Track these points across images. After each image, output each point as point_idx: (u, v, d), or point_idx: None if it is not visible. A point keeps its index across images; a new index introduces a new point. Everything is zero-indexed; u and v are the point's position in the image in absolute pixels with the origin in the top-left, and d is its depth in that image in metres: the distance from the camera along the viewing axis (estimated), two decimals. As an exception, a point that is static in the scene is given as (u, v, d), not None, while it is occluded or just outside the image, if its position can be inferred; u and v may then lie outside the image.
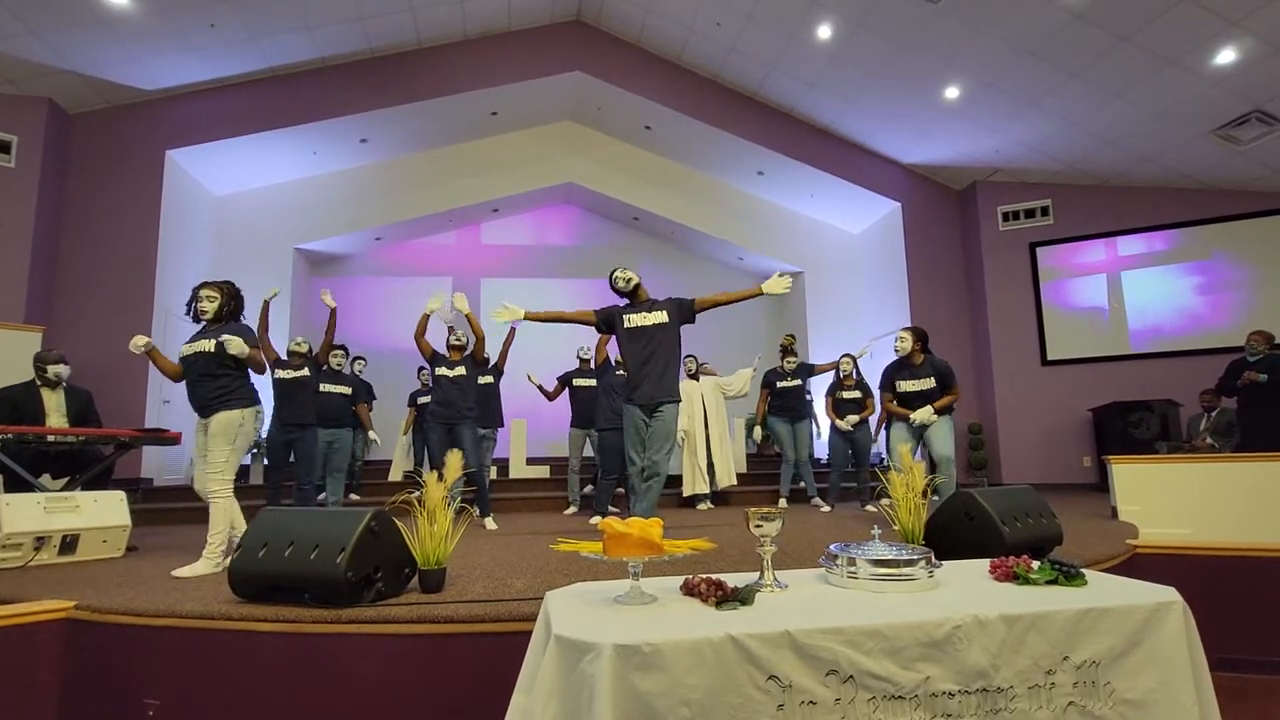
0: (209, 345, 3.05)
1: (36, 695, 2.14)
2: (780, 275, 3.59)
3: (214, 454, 3.03)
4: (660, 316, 3.71)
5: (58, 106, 6.73)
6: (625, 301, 3.89)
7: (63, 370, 4.32)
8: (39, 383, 4.28)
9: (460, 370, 4.74)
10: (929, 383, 4.34)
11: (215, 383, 3.07)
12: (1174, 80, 6.27)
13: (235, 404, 3.08)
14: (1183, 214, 7.79)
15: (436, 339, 4.95)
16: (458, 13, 7.35)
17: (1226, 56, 5.89)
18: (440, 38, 7.68)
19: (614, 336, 3.89)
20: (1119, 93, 6.62)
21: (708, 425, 5.96)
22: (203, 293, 3.18)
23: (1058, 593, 1.52)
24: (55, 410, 4.29)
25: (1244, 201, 7.53)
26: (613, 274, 3.87)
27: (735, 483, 6.12)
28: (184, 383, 3.16)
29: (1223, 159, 7.15)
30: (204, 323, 3.18)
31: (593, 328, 3.92)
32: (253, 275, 8.20)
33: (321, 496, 5.19)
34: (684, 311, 3.76)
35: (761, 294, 3.58)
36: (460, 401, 4.69)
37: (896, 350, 4.44)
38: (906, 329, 4.46)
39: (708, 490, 5.91)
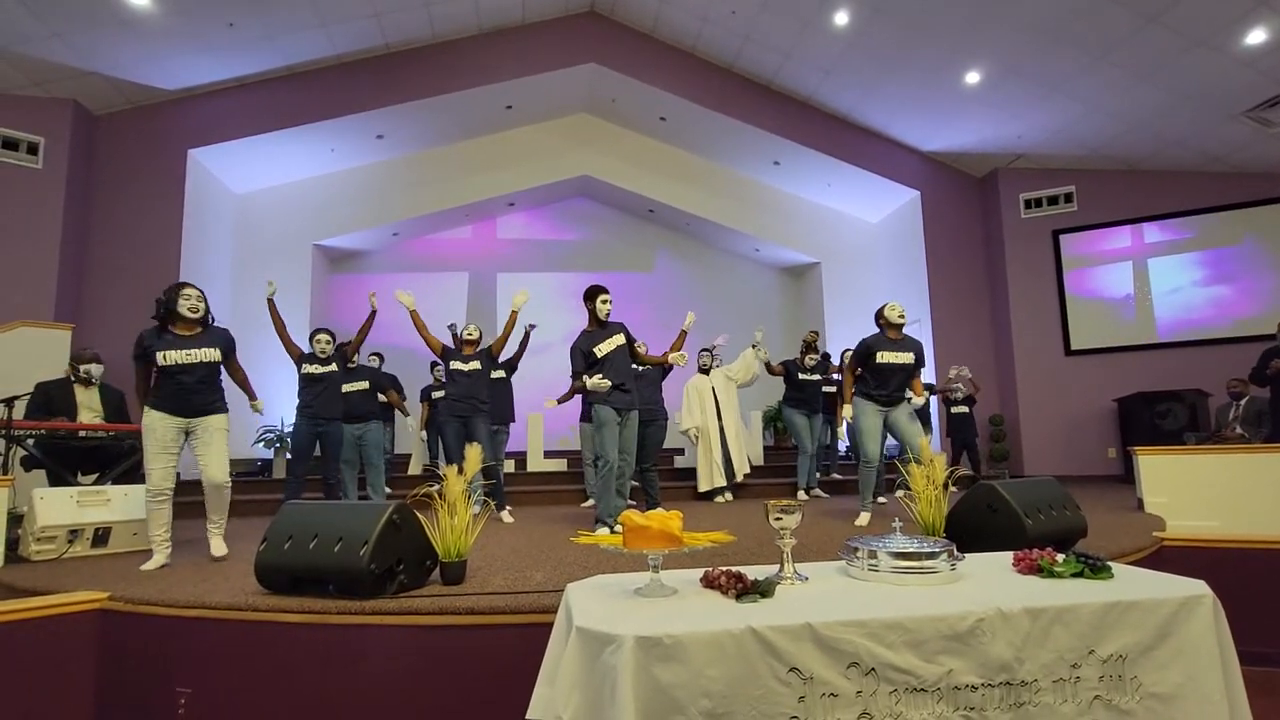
0: (214, 354, 3.19)
1: (73, 683, 2.21)
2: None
3: (224, 448, 3.21)
4: (618, 340, 4.11)
5: (82, 107, 6.86)
6: (588, 322, 4.20)
7: (96, 369, 4.44)
8: (73, 380, 4.40)
9: (475, 364, 4.78)
10: (909, 357, 4.11)
11: (214, 387, 3.25)
12: (1203, 62, 6.10)
13: (225, 407, 3.31)
14: (1212, 199, 7.60)
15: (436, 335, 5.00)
16: (471, 7, 7.35)
17: (1257, 37, 5.72)
18: (454, 32, 7.69)
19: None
20: (1146, 75, 6.46)
21: (721, 418, 5.94)
22: (193, 292, 3.20)
23: (1083, 586, 1.50)
24: (87, 407, 4.39)
25: (1275, 185, 7.33)
26: (599, 300, 4.14)
27: (749, 471, 6.07)
28: (174, 387, 3.10)
29: (1254, 141, 6.96)
30: (190, 323, 3.17)
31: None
32: (273, 272, 8.29)
33: (363, 492, 5.29)
34: (629, 337, 4.20)
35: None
36: (476, 395, 4.73)
37: (895, 320, 4.17)
38: (896, 302, 4.33)
39: (724, 484, 5.90)
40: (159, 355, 3.07)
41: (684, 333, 4.84)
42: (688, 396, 6.01)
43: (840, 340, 9.32)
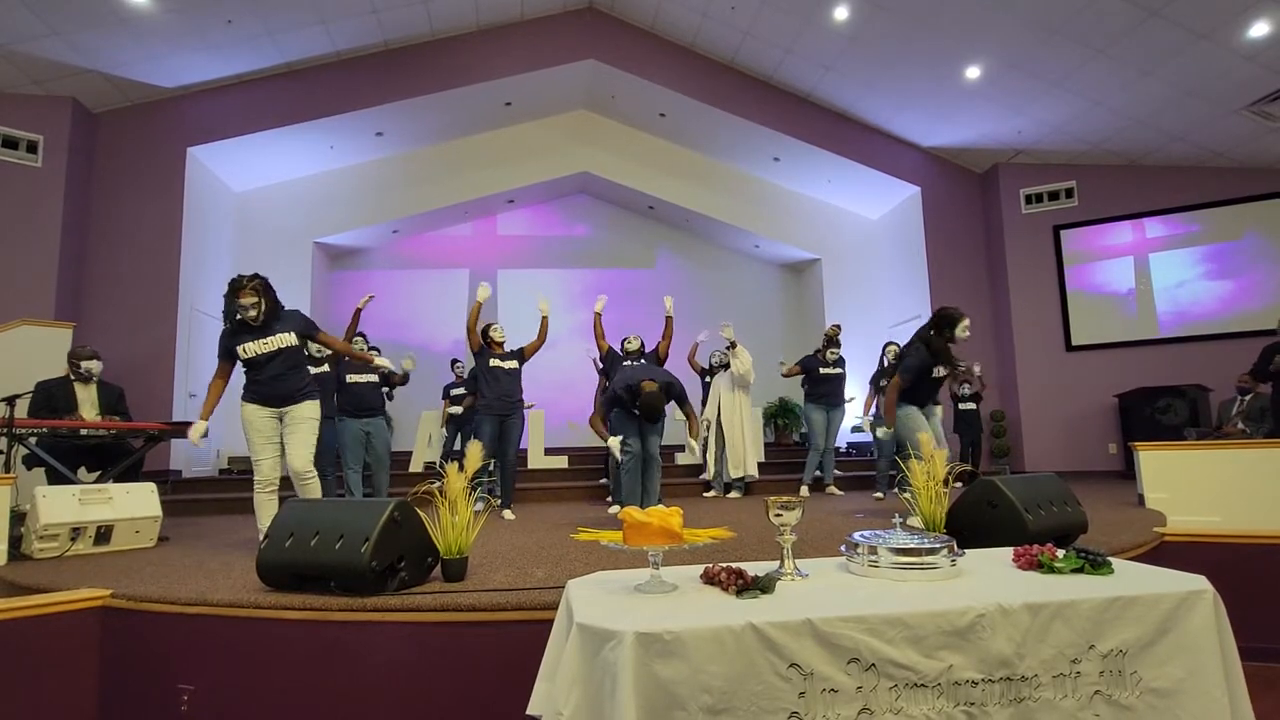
0: (292, 338, 3.25)
1: (76, 680, 2.21)
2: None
3: (308, 439, 3.24)
4: (651, 387, 4.18)
5: (81, 106, 6.85)
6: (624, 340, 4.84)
7: (95, 366, 4.43)
8: (72, 378, 4.40)
9: (513, 363, 4.82)
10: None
11: (300, 374, 3.30)
12: (1205, 55, 6.08)
13: (315, 394, 3.36)
14: (1213, 193, 7.59)
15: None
16: (470, 3, 7.33)
17: (1260, 30, 5.70)
18: (453, 29, 7.67)
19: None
20: (1147, 70, 6.44)
21: (720, 415, 5.93)
22: (246, 301, 3.17)
23: (1084, 581, 1.50)
24: (88, 405, 4.39)
25: (1278, 180, 7.31)
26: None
27: (754, 474, 5.98)
28: (259, 377, 3.22)
29: (1255, 136, 6.95)
30: (253, 323, 3.23)
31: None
32: (273, 270, 8.24)
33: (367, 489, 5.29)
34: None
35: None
36: (515, 394, 4.79)
37: (962, 338, 4.08)
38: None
39: (709, 477, 5.95)
40: (239, 349, 3.20)
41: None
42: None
43: (842, 336, 9.29)
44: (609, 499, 5.90)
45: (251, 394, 3.23)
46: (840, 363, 6.00)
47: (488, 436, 4.64)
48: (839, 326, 6.29)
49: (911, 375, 3.93)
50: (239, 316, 3.19)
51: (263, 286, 3.23)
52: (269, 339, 3.19)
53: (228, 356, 3.24)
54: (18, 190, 6.39)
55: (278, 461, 3.24)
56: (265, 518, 3.16)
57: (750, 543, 3.09)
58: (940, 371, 4.00)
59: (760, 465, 7.29)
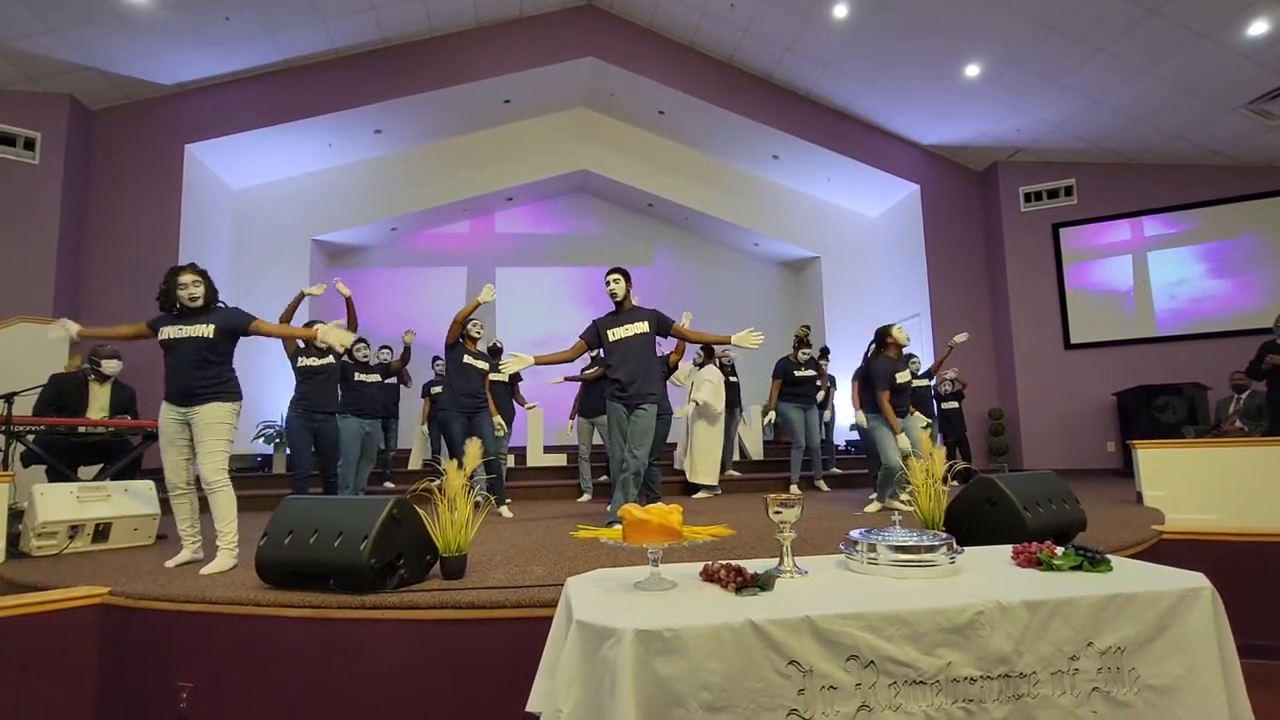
0: (207, 330, 2.95)
1: (75, 677, 2.22)
2: (753, 331, 3.78)
3: (213, 444, 2.92)
4: (641, 327, 3.94)
5: (79, 103, 6.83)
6: (611, 308, 4.09)
7: (114, 366, 4.44)
8: (90, 375, 4.39)
9: (484, 364, 4.80)
10: (907, 375, 4.62)
11: (209, 371, 2.97)
12: (1204, 54, 6.08)
13: (228, 396, 3.00)
14: (1212, 192, 7.59)
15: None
16: (469, 0, 7.32)
17: (1259, 28, 5.70)
18: (452, 26, 7.66)
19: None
20: (1146, 68, 6.44)
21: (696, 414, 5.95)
22: (187, 279, 3.02)
23: (1082, 579, 1.51)
24: (97, 404, 4.39)
25: (1276, 178, 7.32)
26: (606, 279, 4.09)
27: (713, 482, 5.91)
28: (168, 364, 3.01)
29: (1254, 134, 6.95)
30: (191, 309, 3.03)
31: (588, 352, 4.23)
32: (272, 268, 8.31)
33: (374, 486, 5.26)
34: (663, 325, 4.03)
35: (729, 343, 3.82)
36: (481, 393, 4.75)
37: (903, 343, 4.62)
38: (899, 328, 4.64)
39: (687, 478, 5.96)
40: (161, 329, 2.99)
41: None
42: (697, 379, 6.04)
43: (841, 334, 9.33)
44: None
45: (165, 388, 3.02)
46: (812, 363, 5.98)
47: (457, 434, 4.53)
48: (808, 328, 6.30)
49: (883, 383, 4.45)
50: (178, 301, 3.03)
51: (205, 276, 3.09)
52: (185, 326, 2.99)
53: (150, 327, 3.07)
54: (15, 187, 6.37)
55: (178, 465, 2.98)
56: (179, 521, 3.02)
57: (750, 540, 3.09)
58: (903, 378, 4.49)
59: (758, 464, 7.34)
